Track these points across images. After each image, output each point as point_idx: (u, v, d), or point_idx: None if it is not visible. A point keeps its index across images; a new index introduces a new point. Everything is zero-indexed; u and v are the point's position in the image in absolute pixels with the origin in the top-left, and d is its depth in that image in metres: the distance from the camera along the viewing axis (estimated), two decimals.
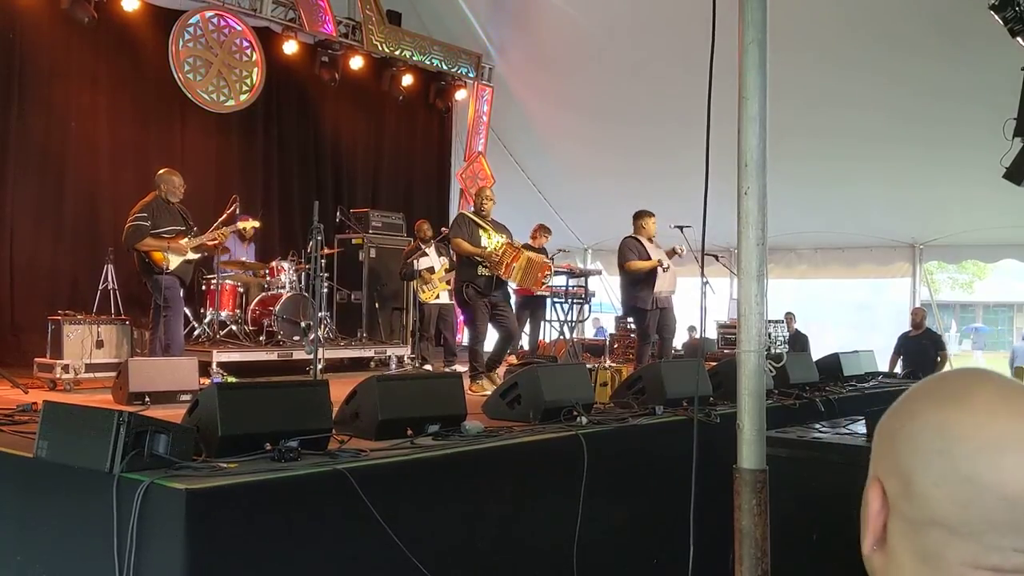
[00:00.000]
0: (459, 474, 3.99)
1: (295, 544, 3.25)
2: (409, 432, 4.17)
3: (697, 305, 6.89)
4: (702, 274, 5.67)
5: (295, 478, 3.28)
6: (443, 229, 10.38)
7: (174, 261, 6.88)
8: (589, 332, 14.34)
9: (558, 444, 4.42)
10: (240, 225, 8.09)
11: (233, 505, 3.11)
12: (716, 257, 9.07)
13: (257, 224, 8.46)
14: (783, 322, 11.70)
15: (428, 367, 8.81)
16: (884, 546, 0.84)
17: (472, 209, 7.97)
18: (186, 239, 7.03)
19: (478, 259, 7.32)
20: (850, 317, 19.58)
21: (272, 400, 3.80)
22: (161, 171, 7.27)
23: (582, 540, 4.29)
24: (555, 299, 9.97)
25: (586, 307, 10.61)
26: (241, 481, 3.14)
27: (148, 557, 3.01)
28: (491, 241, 7.45)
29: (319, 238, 5.78)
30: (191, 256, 7.07)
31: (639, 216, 8.37)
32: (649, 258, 8.06)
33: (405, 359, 9.30)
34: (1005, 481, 0.76)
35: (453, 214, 12.90)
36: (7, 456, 3.70)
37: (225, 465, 3.30)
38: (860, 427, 5.19)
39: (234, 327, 8.29)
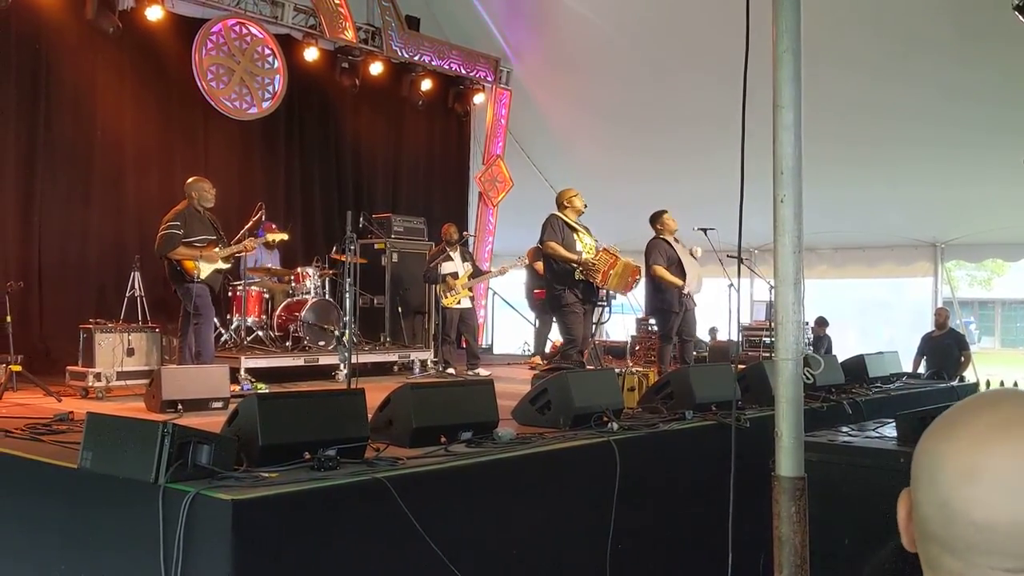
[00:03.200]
0: (494, 481, 4.01)
1: (337, 553, 3.29)
2: (443, 439, 4.20)
3: (715, 305, 6.90)
4: (738, 282, 5.69)
5: (336, 487, 3.31)
6: (465, 233, 10.41)
7: (205, 269, 6.94)
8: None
9: (591, 450, 4.43)
10: (270, 237, 8.17)
11: (277, 514, 3.15)
12: (741, 260, 9.03)
13: (286, 236, 8.53)
14: (808, 324, 11.70)
15: (451, 371, 8.85)
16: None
17: (557, 209, 7.77)
18: (217, 248, 7.09)
19: (573, 265, 7.21)
20: (870, 317, 19.53)
21: (310, 409, 3.84)
22: (192, 179, 7.33)
23: (615, 547, 4.31)
24: None
25: (606, 309, 10.60)
26: (284, 491, 3.17)
27: (194, 566, 3.06)
28: (585, 246, 7.34)
29: (352, 248, 5.79)
30: (222, 265, 7.13)
31: (655, 218, 8.41)
32: (677, 257, 8.10)
33: (428, 363, 9.34)
34: (971, 509, 0.82)
35: (472, 218, 12.94)
36: (50, 466, 3.75)
37: (267, 475, 3.34)
38: (890, 430, 5.13)
39: (260, 333, 8.36)
